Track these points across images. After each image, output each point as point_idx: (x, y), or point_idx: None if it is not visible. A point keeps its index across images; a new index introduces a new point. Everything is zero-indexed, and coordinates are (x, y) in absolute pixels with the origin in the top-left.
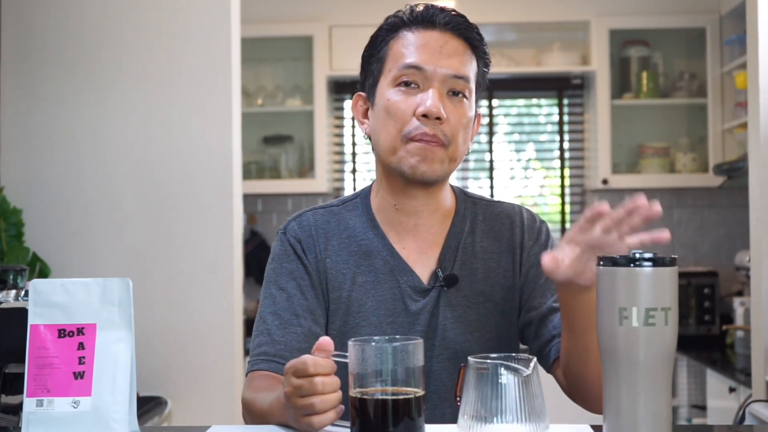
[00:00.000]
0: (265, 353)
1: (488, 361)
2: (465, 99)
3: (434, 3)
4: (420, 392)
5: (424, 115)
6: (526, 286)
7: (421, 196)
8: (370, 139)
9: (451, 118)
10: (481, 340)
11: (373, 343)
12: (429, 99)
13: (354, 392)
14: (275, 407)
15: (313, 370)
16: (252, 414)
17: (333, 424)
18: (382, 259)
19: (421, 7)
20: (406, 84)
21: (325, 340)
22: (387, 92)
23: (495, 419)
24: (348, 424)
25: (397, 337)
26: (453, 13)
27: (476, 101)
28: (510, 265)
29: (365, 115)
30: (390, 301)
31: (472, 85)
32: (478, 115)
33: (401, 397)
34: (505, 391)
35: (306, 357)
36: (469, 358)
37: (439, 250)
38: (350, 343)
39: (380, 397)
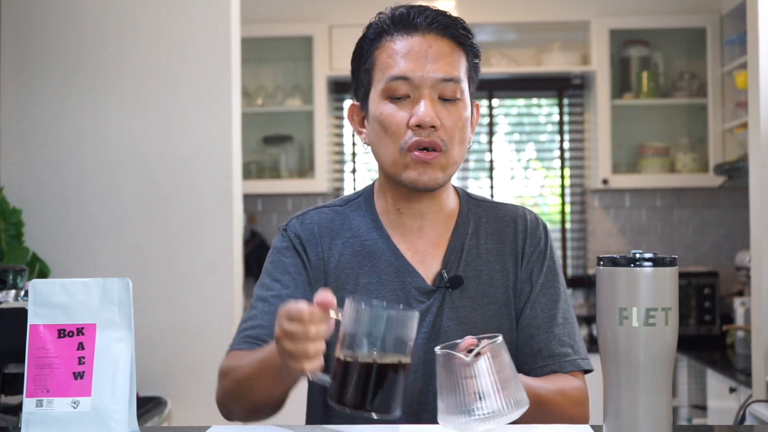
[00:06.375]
0: (249, 335)
1: (451, 351)
2: (458, 100)
3: (414, 2)
4: (406, 359)
5: (418, 125)
6: (522, 295)
7: (425, 200)
8: (370, 146)
9: (447, 122)
10: None
11: (370, 306)
12: (421, 109)
13: (341, 352)
14: (268, 354)
15: (308, 319)
16: (233, 379)
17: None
18: (386, 260)
19: (401, 10)
20: (397, 97)
21: (327, 298)
22: (379, 105)
23: (469, 403)
24: (329, 378)
25: (395, 305)
26: (435, 11)
27: (471, 94)
28: (513, 269)
29: (362, 124)
30: (394, 302)
31: (464, 84)
32: (475, 105)
33: (387, 361)
34: (474, 373)
35: (302, 304)
36: (435, 348)
37: (443, 251)
38: (347, 300)
39: (365, 360)
